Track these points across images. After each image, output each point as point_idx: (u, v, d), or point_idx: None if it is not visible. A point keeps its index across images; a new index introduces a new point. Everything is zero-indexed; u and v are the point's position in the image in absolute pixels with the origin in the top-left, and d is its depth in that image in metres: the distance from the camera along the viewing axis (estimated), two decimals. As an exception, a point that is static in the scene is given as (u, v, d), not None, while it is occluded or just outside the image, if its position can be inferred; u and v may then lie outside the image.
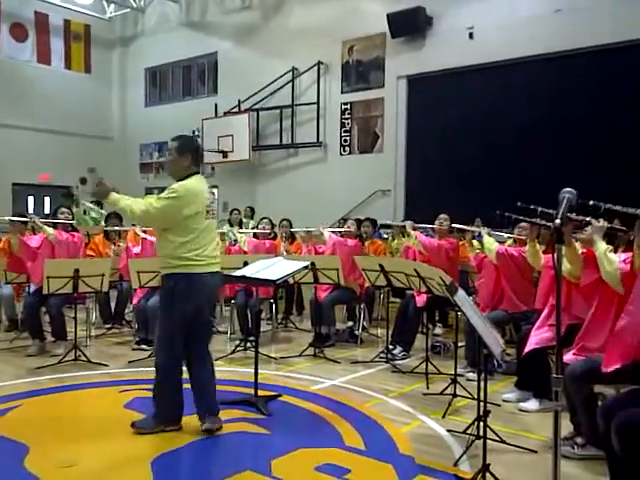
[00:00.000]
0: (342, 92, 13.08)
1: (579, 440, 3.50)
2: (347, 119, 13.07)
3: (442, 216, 6.33)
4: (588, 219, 3.52)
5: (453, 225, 6.20)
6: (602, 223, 3.47)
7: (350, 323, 7.11)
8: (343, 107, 13.09)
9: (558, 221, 1.87)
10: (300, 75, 13.48)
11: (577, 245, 3.81)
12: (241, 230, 8.12)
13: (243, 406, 4.27)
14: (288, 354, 6.06)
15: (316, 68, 13.20)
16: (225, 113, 14.25)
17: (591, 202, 2.42)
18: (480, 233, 5.70)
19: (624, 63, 9.70)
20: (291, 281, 6.23)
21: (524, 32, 10.55)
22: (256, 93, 13.69)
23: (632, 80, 9.55)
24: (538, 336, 4.13)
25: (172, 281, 3.72)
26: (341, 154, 13.19)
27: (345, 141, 13.15)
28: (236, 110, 14.04)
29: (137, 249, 6.69)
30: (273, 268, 4.19)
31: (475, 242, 6.03)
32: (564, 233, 3.52)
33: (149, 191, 14.64)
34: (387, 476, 3.19)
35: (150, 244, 6.33)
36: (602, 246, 3.37)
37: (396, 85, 12.33)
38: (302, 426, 4.00)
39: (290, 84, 13.54)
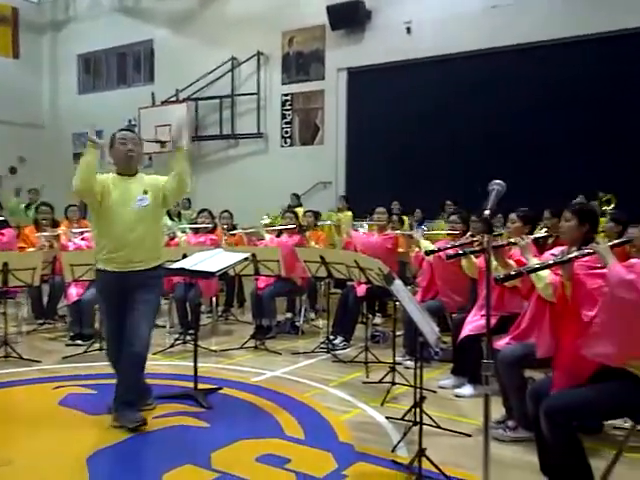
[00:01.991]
0: (282, 83, 13.05)
1: (510, 423, 3.64)
2: (288, 110, 13.05)
3: (379, 209, 6.43)
4: (513, 240, 3.66)
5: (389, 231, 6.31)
6: (525, 240, 3.56)
7: (289, 315, 7.11)
8: (284, 98, 13.06)
9: (487, 212, 1.94)
10: (239, 65, 13.35)
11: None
12: (181, 226, 7.94)
13: (182, 400, 4.22)
14: (229, 347, 6.02)
15: (256, 58, 13.11)
16: (163, 102, 13.94)
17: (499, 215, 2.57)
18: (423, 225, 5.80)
19: (558, 59, 10.10)
20: (232, 273, 6.17)
21: (461, 27, 10.81)
22: (194, 82, 13.47)
23: (568, 76, 9.95)
24: (472, 324, 4.27)
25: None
26: (282, 146, 13.17)
27: (286, 133, 13.14)
28: (174, 99, 13.78)
29: (72, 243, 6.50)
30: (212, 260, 4.14)
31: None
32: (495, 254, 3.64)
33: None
34: (326, 464, 3.22)
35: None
36: (532, 261, 3.43)
37: (336, 77, 12.41)
38: (242, 418, 3.99)
39: (229, 74, 13.40)
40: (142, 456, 3.40)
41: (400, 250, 6.51)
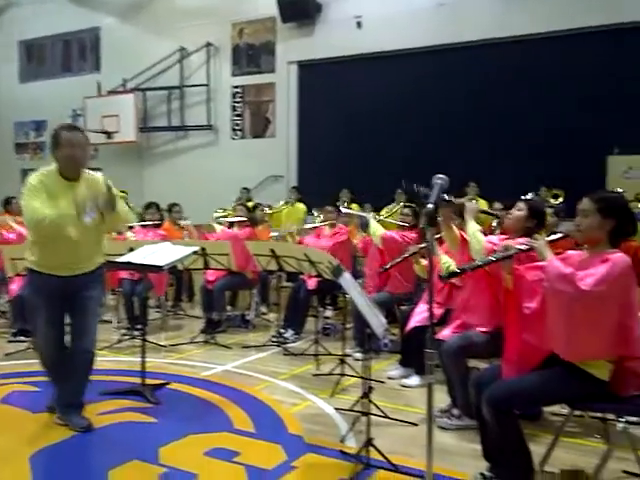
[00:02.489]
0: (233, 75, 12.91)
1: (455, 412, 3.74)
2: (238, 103, 12.94)
3: (328, 208, 6.51)
4: (463, 200, 3.74)
5: (342, 210, 6.35)
6: (474, 205, 3.70)
7: (229, 308, 7.05)
8: (234, 90, 12.94)
9: (431, 206, 1.99)
10: (189, 56, 13.14)
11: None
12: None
13: (129, 396, 4.15)
14: (178, 341, 5.96)
15: (205, 49, 12.92)
16: (109, 92, 13.59)
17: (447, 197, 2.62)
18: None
19: (503, 56, 10.35)
20: (181, 267, 6.10)
21: (411, 23, 10.94)
22: (142, 72, 13.17)
23: (514, 73, 10.22)
24: (419, 315, 4.36)
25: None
26: (233, 138, 13.05)
27: (237, 125, 13.02)
28: (121, 89, 13.45)
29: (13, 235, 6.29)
30: (160, 253, 4.09)
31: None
32: (444, 215, 3.74)
33: (26, 173, 13.70)
34: (276, 456, 3.24)
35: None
36: (472, 226, 3.62)
37: (287, 70, 12.36)
38: (191, 412, 3.96)
39: (178, 65, 13.17)
40: (87, 453, 3.34)
41: (354, 241, 6.57)
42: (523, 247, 2.95)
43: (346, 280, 2.96)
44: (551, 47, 10.07)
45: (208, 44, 12.88)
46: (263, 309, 7.43)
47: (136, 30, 13.62)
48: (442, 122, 10.72)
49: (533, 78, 10.15)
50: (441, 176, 2.09)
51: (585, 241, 2.84)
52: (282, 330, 6.05)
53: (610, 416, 3.19)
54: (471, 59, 10.59)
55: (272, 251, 5.45)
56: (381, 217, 6.07)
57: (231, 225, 6.82)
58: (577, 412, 3.38)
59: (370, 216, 5.74)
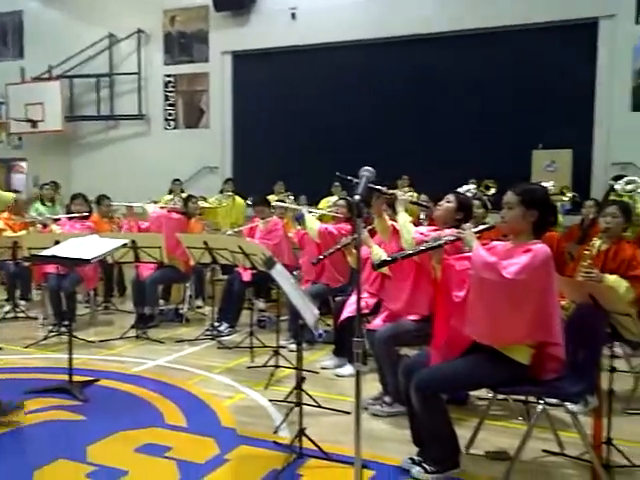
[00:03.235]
0: (165, 64, 12.64)
1: (387, 399, 3.82)
2: (171, 92, 12.67)
3: (260, 208, 6.45)
4: (395, 191, 3.81)
5: (274, 204, 6.32)
6: (405, 196, 3.78)
7: (162, 302, 6.92)
8: (166, 79, 12.66)
9: (357, 197, 2.03)
10: (118, 42, 12.75)
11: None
12: (54, 217, 7.44)
13: (57, 393, 4.02)
14: (108, 337, 5.80)
15: (136, 36, 12.58)
16: (34, 79, 13.00)
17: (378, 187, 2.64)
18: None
19: (436, 53, 10.60)
20: (110, 260, 5.93)
21: (344, 17, 11.02)
22: (69, 59, 12.68)
23: (445, 69, 10.47)
24: (352, 305, 4.41)
25: None
26: (166, 128, 12.78)
27: (170, 115, 12.75)
28: (47, 76, 12.90)
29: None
30: (87, 246, 3.96)
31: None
32: (376, 206, 3.80)
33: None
34: (208, 449, 3.22)
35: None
36: (403, 217, 3.69)
37: (221, 60, 12.21)
38: (121, 409, 3.87)
39: (107, 51, 12.76)
40: (12, 453, 3.21)
41: (290, 234, 6.55)
42: (451, 237, 3.04)
43: (278, 272, 2.97)
44: (482, 44, 10.38)
45: (139, 31, 12.53)
46: (198, 302, 7.33)
47: (62, 14, 13.08)
48: (375, 115, 10.89)
49: (463, 75, 10.45)
50: (368, 168, 2.13)
51: (510, 232, 2.95)
52: (216, 323, 5.99)
53: (531, 399, 3.36)
54: (403, 53, 10.79)
55: (205, 243, 5.38)
56: (315, 211, 6.05)
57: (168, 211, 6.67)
58: (501, 396, 3.54)
59: (305, 210, 5.74)
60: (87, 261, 3.87)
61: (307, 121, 11.29)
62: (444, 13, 10.44)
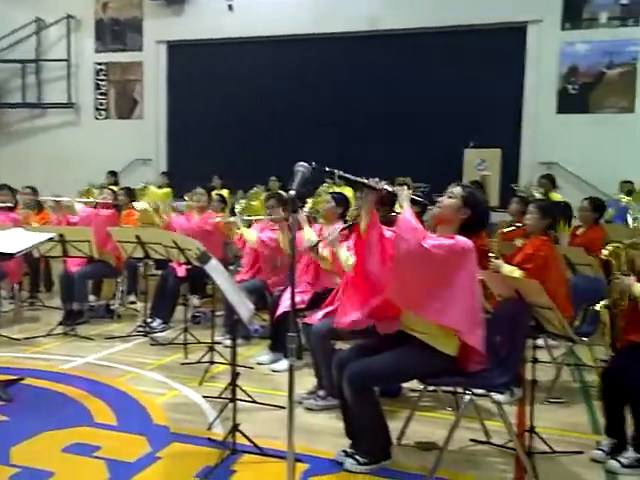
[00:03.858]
0: (96, 51, 12.23)
1: (321, 393, 3.85)
2: (103, 81, 12.28)
3: (198, 190, 6.34)
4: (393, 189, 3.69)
5: (213, 219, 6.19)
6: (407, 192, 3.57)
7: (92, 298, 6.72)
8: (97, 67, 12.26)
9: (292, 192, 2.03)
10: (46, 27, 12.24)
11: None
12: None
13: (-23, 394, 3.83)
14: (34, 334, 5.57)
15: (65, 22, 12.11)
16: (-47, 62, 12.32)
17: (327, 168, 2.61)
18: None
19: (371, 50, 10.74)
20: (36, 254, 5.69)
21: (281, 10, 10.98)
22: (-7, 42, 12.08)
23: (383, 67, 10.64)
24: (288, 300, 4.42)
25: None
26: (97, 118, 12.39)
27: (101, 104, 12.36)
28: (-33, 60, 12.24)
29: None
30: (10, 240, 3.79)
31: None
32: (366, 204, 3.67)
33: None
34: (139, 448, 3.16)
35: None
36: (342, 252, 3.65)
37: (156, 50, 11.93)
38: (47, 408, 3.73)
39: (35, 36, 12.21)
40: None
41: (234, 237, 6.46)
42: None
43: (212, 267, 2.94)
44: (416, 45, 10.60)
45: (68, 16, 12.06)
46: (131, 298, 7.15)
47: (-16, -5, 12.43)
48: (311, 110, 10.93)
49: (396, 74, 10.65)
50: (302, 164, 2.13)
51: (440, 218, 2.98)
52: (149, 319, 5.86)
53: (460, 390, 3.47)
54: (338, 50, 10.87)
55: (137, 237, 5.24)
56: (246, 218, 5.90)
57: (96, 206, 6.46)
58: (431, 387, 3.65)
59: (237, 219, 5.61)
60: (10, 255, 3.70)
61: (244, 114, 11.21)
62: (383, 13, 10.58)
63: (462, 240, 2.80)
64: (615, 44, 9.88)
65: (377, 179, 2.94)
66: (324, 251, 3.93)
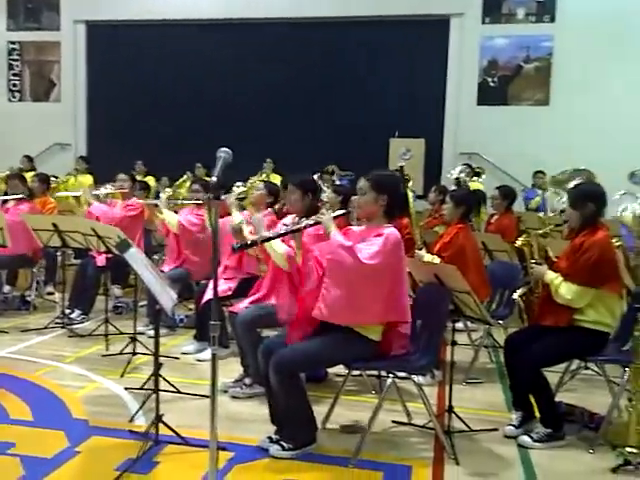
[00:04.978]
0: (8, 29, 11.57)
1: (247, 381, 3.85)
2: (16, 61, 11.63)
3: (121, 176, 6.12)
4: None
5: (140, 201, 6.01)
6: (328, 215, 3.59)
7: (7, 289, 6.40)
8: (10, 47, 11.60)
9: (214, 179, 2.00)
10: (-46, 3, 11.45)
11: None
12: None
13: None
14: (-60, 329, 5.26)
15: (-27, -3, 11.37)
16: None
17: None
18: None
19: (304, 38, 10.73)
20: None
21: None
22: None
23: (308, 54, 10.63)
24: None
25: None
26: (10, 100, 11.74)
27: (14, 86, 11.73)
28: None
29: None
30: None
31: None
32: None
33: None
34: (57, 443, 3.05)
35: None
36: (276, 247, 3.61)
37: (74, 30, 11.41)
38: (-44, 406, 3.54)
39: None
40: None
41: (156, 222, 6.28)
42: (311, 222, 3.12)
43: (132, 255, 2.86)
44: (341, 35, 10.64)
45: (-23, -8, 11.34)
46: (49, 289, 6.85)
47: None
48: (238, 96, 10.79)
49: (327, 63, 10.67)
50: (225, 149, 2.11)
51: (363, 216, 3.09)
52: (68, 310, 5.65)
53: (383, 373, 3.55)
54: (266, 36, 10.77)
55: (54, 225, 5.02)
56: (174, 199, 5.78)
57: (4, 202, 6.10)
58: (356, 372, 3.72)
59: (163, 203, 5.47)
60: None
61: (169, 99, 10.93)
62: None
63: (391, 235, 2.88)
64: (532, 39, 10.31)
65: (296, 219, 3.30)
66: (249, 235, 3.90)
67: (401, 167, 4.64)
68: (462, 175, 7.38)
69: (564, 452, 3.16)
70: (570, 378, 3.97)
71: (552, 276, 3.26)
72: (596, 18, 9.72)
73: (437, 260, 4.05)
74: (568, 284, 3.18)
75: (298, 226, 3.18)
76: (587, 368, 4.24)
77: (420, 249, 4.27)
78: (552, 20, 10.22)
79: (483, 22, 10.42)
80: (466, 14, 10.39)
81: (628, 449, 2.92)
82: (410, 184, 8.50)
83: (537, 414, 3.31)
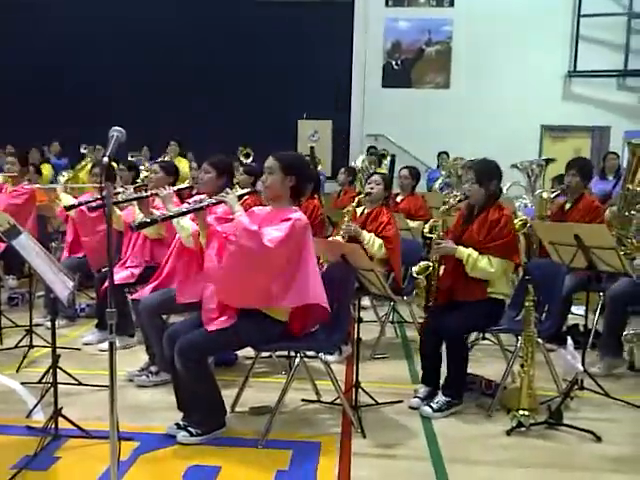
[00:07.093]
0: None
1: (153, 369, 3.74)
2: None
3: (9, 159, 5.70)
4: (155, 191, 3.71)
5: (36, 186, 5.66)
6: (167, 191, 3.53)
7: None
8: None
9: (106, 159, 1.91)
10: None
11: None
12: None
13: None
14: None
15: None
16: None
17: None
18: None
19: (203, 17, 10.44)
20: None
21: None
22: None
23: (215, 31, 10.39)
24: (115, 275, 4.20)
25: None
26: None
27: None
28: None
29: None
30: None
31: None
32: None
33: None
34: (-56, 446, 2.85)
35: None
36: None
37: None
38: None
39: None
40: None
41: (39, 204, 5.93)
42: (214, 200, 3.05)
43: (22, 243, 2.69)
44: (247, 14, 10.46)
45: None
46: None
47: None
48: (140, 72, 10.39)
49: (235, 44, 10.46)
50: (118, 128, 2.01)
51: (270, 196, 3.05)
52: (-44, 304, 5.25)
53: (293, 353, 3.57)
54: (166, 9, 10.41)
55: None
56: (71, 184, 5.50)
57: None
58: (266, 353, 3.72)
59: (60, 188, 5.20)
60: None
61: (53, 72, 10.36)
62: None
63: (298, 221, 2.85)
64: (433, 23, 10.60)
65: (201, 197, 3.20)
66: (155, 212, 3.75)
67: (311, 148, 4.68)
68: (365, 164, 7.54)
69: (464, 419, 3.32)
70: (470, 349, 4.16)
71: (467, 251, 3.33)
72: (494, 3, 10.11)
73: (379, 241, 4.19)
74: (488, 257, 3.30)
75: (201, 204, 3.08)
76: (485, 339, 4.48)
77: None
78: (451, 4, 10.54)
79: (387, 4, 10.58)
80: (370, -3, 10.51)
81: (521, 412, 3.11)
82: (320, 168, 8.61)
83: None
